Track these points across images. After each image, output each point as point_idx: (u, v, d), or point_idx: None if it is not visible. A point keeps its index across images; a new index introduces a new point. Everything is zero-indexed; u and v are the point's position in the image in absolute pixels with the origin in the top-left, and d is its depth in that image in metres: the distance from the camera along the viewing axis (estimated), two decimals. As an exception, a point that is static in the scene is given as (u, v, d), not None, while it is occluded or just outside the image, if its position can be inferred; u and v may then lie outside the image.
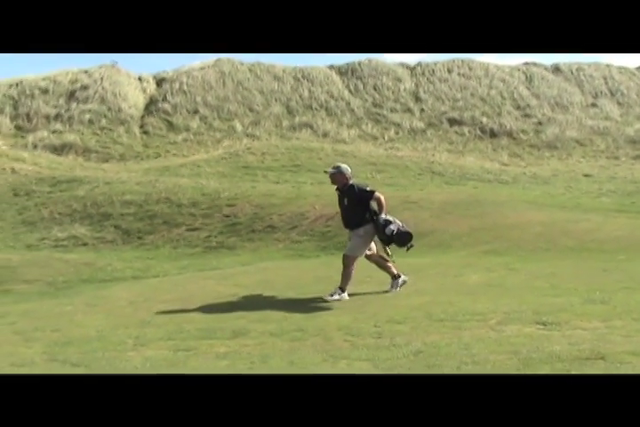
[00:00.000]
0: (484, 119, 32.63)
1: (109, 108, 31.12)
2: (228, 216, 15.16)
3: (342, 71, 36.22)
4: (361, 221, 7.86)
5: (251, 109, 32.36)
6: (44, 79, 33.08)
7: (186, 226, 14.97)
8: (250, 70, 34.99)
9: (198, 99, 32.49)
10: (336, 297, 7.62)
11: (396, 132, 31.11)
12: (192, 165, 22.91)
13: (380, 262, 8.16)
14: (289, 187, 18.11)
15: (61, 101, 31.71)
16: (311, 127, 31.04)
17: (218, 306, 7.67)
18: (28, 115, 30.77)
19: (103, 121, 30.34)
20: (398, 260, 8.30)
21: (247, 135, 29.79)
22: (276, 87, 34.10)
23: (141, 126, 30.67)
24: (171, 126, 30.67)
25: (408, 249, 8.11)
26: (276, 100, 33.21)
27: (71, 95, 32.17)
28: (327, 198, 15.36)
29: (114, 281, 10.67)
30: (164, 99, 32.49)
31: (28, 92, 32.18)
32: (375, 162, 23.19)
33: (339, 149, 24.70)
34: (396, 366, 4.86)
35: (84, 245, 14.64)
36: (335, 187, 8.15)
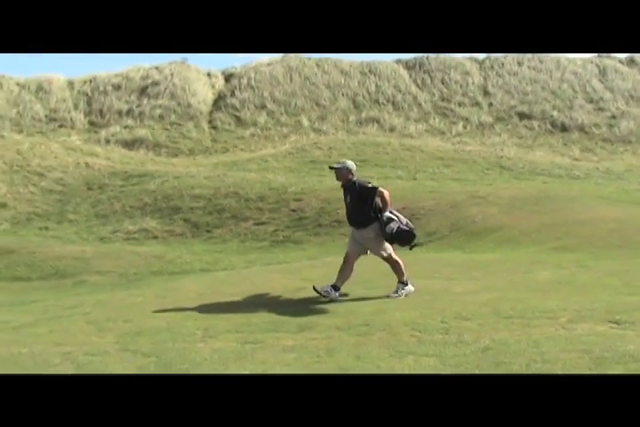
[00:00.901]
0: (555, 113, 31.91)
1: (179, 104, 31.58)
2: (294, 211, 15.22)
3: (409, 65, 35.91)
4: (367, 220, 7.67)
5: (317, 104, 32.39)
6: (116, 76, 33.80)
7: (253, 220, 15.10)
8: (317, 65, 35.02)
9: (266, 94, 32.68)
10: (402, 292, 7.57)
11: (464, 127, 30.70)
12: (259, 159, 23.09)
13: (343, 267, 7.87)
14: (355, 182, 18.05)
15: (133, 97, 32.33)
16: (378, 122, 30.89)
17: (284, 300, 7.74)
18: (101, 110, 31.49)
19: (173, 116, 30.80)
20: (462, 256, 8.20)
21: (314, 130, 29.82)
22: (343, 82, 34.06)
23: (210, 121, 31.02)
24: (239, 121, 30.93)
25: (411, 248, 7.85)
26: (342, 95, 33.16)
27: (142, 91, 32.76)
28: (393, 194, 15.29)
29: (183, 273, 10.86)
30: (233, 94, 32.77)
31: (101, 88, 32.94)
32: (443, 157, 22.96)
33: (405, 144, 24.53)
34: (463, 362, 4.82)
35: (155, 238, 14.91)
36: (341, 183, 7.95)
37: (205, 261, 11.98)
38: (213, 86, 33.93)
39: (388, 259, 7.78)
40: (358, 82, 34.13)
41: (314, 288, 7.63)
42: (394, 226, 7.49)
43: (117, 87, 33.04)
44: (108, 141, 27.58)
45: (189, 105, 31.59)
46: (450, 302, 6.95)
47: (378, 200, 7.67)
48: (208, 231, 15.01)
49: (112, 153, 23.86)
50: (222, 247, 13.78)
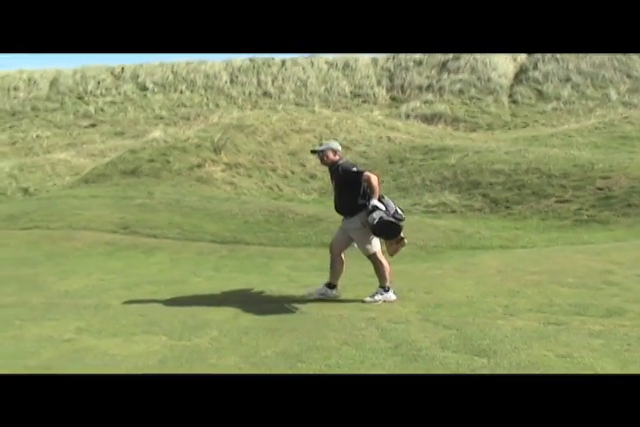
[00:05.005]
0: None
1: (479, 78, 31.41)
2: (601, 189, 14.34)
3: None
4: (353, 207, 6.86)
5: (628, 76, 30.21)
6: (420, 51, 34.53)
7: (555, 197, 14.50)
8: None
9: (571, 66, 31.23)
10: (378, 298, 7.00)
11: None
12: (562, 134, 22.11)
13: (332, 261, 7.25)
14: (672, 159, 16.56)
15: (433, 72, 32.81)
16: (700, 93, 28.09)
17: (589, 282, 7.39)
18: (402, 86, 32.43)
19: (472, 91, 30.75)
20: None
21: (623, 103, 27.92)
22: (659, 50, 31.34)
23: (510, 95, 30.47)
24: (540, 95, 29.99)
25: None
26: (659, 65, 30.61)
27: (443, 66, 33.10)
28: None
29: (481, 249, 10.78)
30: (535, 67, 31.82)
31: (402, 64, 33.89)
32: None
33: None
34: None
35: (453, 212, 14.97)
36: (328, 167, 7.20)
37: (504, 237, 11.76)
38: (515, 59, 33.19)
39: (372, 258, 7.06)
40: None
41: (308, 293, 7.29)
42: (376, 216, 6.57)
43: (419, 63, 33.73)
44: (407, 116, 28.31)
45: (489, 79, 31.28)
46: None
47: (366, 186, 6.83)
48: (507, 208, 14.71)
49: (412, 127, 24.36)
50: (522, 224, 13.44)
